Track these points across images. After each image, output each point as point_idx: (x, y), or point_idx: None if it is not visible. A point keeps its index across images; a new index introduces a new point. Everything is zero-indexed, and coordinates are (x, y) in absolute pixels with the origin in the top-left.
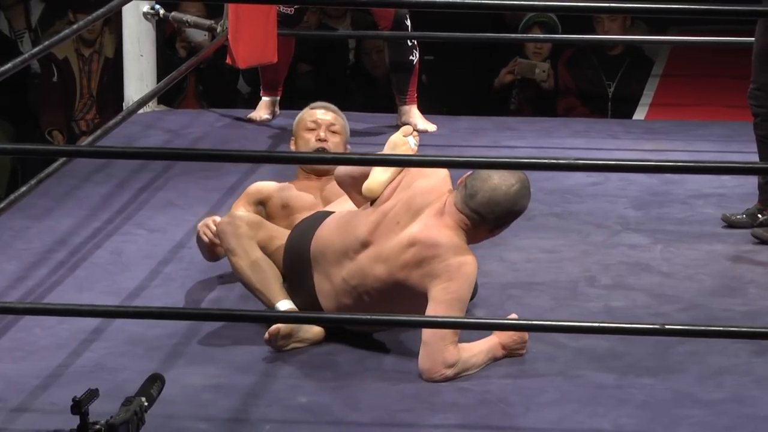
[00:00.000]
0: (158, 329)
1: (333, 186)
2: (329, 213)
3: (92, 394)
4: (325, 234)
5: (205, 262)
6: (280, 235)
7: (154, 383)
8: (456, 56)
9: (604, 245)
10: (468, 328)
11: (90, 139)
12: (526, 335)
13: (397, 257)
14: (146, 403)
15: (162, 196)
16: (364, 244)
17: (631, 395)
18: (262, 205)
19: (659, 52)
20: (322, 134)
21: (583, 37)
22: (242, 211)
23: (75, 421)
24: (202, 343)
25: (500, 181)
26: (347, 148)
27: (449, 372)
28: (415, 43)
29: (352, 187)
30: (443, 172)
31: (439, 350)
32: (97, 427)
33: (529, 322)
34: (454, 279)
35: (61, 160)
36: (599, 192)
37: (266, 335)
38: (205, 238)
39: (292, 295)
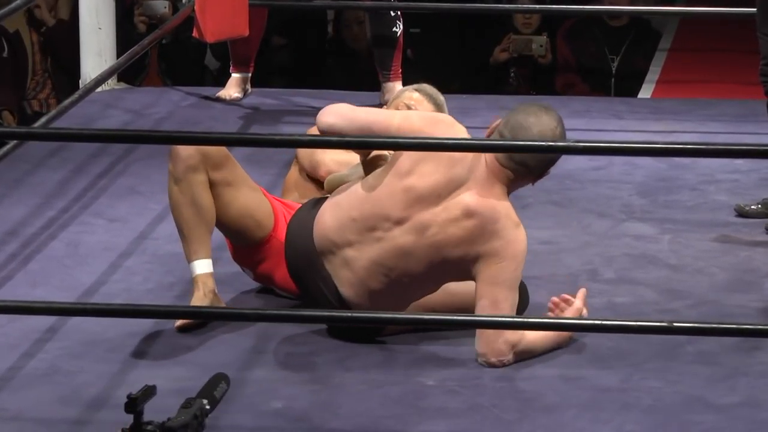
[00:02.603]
0: (119, 328)
1: None
2: (322, 199)
3: (149, 391)
4: (330, 219)
5: (170, 255)
6: (241, 184)
7: (217, 384)
8: (444, 29)
9: (606, 236)
10: (465, 327)
11: (44, 119)
12: None
13: (450, 232)
14: (208, 406)
15: (122, 182)
16: (399, 222)
17: (636, 399)
18: None
19: (667, 23)
20: None
21: (582, 8)
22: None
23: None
24: (166, 344)
25: (543, 126)
26: None
27: (511, 356)
28: (399, 14)
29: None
30: (464, 130)
31: (498, 331)
32: (150, 428)
33: (524, 320)
34: (509, 258)
35: (12, 143)
36: (601, 177)
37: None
38: None
39: (304, 291)
